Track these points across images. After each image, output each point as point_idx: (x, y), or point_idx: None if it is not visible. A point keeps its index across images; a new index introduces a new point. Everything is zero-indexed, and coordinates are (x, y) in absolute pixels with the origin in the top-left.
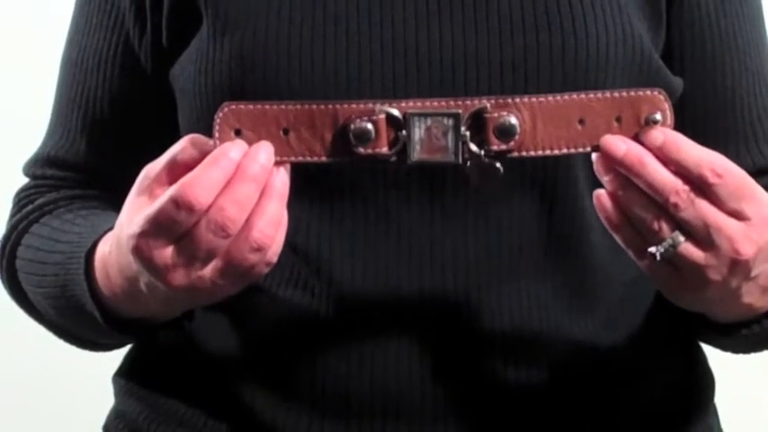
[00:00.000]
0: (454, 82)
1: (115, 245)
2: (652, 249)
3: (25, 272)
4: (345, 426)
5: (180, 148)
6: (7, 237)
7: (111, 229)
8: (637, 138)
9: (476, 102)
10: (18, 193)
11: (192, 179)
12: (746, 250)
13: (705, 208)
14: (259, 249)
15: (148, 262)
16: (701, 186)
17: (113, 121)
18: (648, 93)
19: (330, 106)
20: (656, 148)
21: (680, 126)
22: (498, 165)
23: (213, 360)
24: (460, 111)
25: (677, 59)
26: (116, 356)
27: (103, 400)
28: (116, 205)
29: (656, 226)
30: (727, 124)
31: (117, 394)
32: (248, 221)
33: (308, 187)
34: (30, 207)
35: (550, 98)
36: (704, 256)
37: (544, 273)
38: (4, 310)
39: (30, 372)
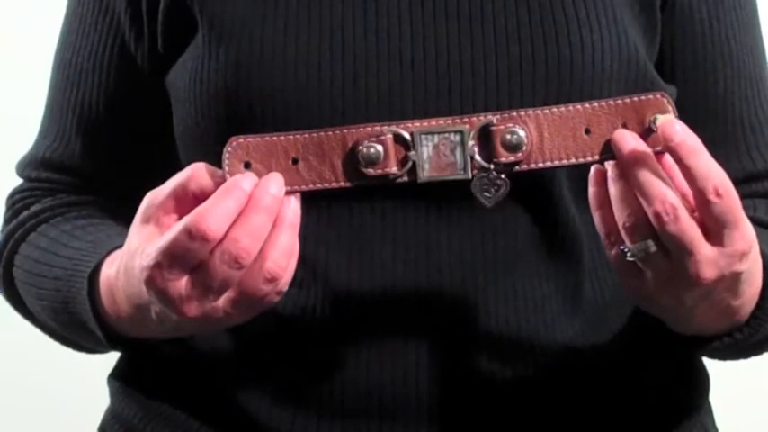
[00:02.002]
0: (450, 93)
1: (123, 271)
2: (623, 248)
3: (24, 282)
4: (341, 427)
5: (186, 176)
6: (4, 244)
7: (115, 248)
8: (658, 132)
9: (481, 117)
10: (12, 195)
11: (205, 210)
12: (707, 275)
13: (685, 229)
14: (272, 280)
15: (163, 293)
16: (697, 198)
17: (108, 123)
18: (652, 97)
19: (338, 132)
20: (673, 145)
21: None
22: (504, 177)
23: (208, 361)
24: (467, 126)
25: (669, 65)
26: (112, 357)
27: (99, 400)
28: (112, 210)
29: (635, 226)
30: (718, 129)
31: (112, 395)
32: (261, 252)
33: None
34: (26, 213)
35: (555, 110)
36: (669, 268)
37: (538, 275)
38: (1, 311)
39: (25, 372)
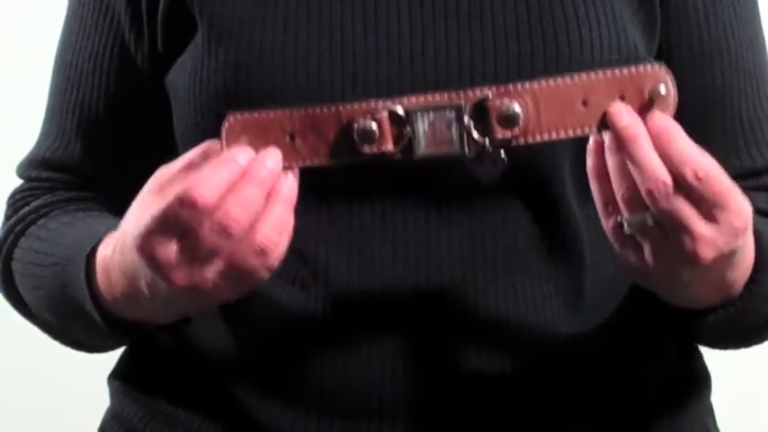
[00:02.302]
0: (450, 86)
1: (119, 245)
2: (619, 219)
3: (22, 274)
4: (342, 426)
5: (197, 152)
6: (3, 240)
7: (110, 232)
8: (643, 116)
9: (477, 92)
10: (13, 195)
11: (197, 178)
12: (706, 255)
13: (679, 207)
14: (262, 253)
15: (151, 258)
16: (679, 183)
17: (108, 124)
18: (650, 67)
19: (333, 108)
20: (654, 134)
21: None
22: (503, 154)
23: (208, 361)
24: (462, 102)
25: (666, 60)
26: (112, 357)
27: (99, 401)
28: (112, 207)
29: (632, 198)
30: (716, 125)
31: (112, 395)
32: (254, 225)
33: (304, 188)
34: (26, 209)
35: (551, 82)
36: (666, 244)
37: (539, 274)
38: (1, 311)
39: (25, 372)
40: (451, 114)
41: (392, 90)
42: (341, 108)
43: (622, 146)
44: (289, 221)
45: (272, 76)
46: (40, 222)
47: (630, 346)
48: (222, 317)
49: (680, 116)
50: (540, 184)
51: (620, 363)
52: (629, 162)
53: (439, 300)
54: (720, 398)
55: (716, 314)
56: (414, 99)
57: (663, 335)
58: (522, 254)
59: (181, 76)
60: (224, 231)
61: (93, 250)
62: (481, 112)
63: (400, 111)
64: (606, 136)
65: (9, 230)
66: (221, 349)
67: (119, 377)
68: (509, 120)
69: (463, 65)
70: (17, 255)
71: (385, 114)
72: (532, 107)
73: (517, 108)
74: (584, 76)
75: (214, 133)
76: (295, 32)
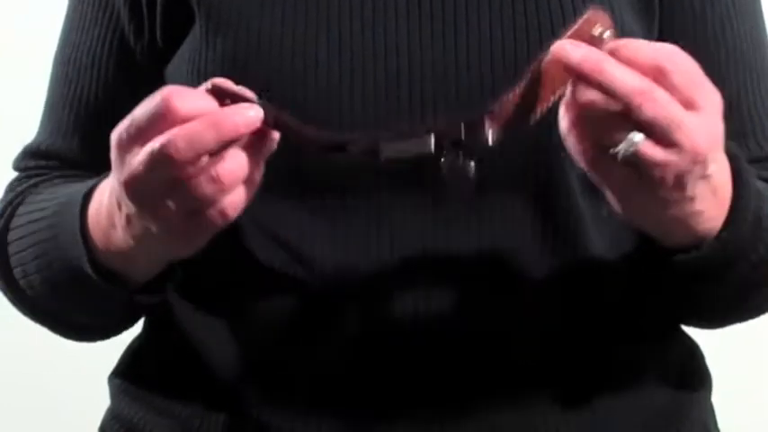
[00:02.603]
0: (446, 85)
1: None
2: (613, 151)
3: (18, 238)
4: (341, 423)
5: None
6: (0, 214)
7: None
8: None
9: (448, 131)
10: (9, 185)
11: (181, 91)
12: (703, 145)
13: (665, 105)
14: (216, 182)
15: (118, 157)
16: (656, 78)
17: (107, 117)
18: (591, 13)
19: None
20: (611, 53)
21: None
22: (472, 165)
23: (208, 360)
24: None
25: None
26: (112, 357)
27: (99, 400)
28: None
29: (615, 127)
30: None
31: (113, 395)
32: (217, 158)
33: (299, 184)
34: (23, 187)
35: (517, 91)
36: (664, 153)
37: (540, 271)
38: (1, 309)
39: (25, 372)
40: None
41: (389, 82)
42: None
43: (589, 77)
44: (249, 172)
45: (270, 67)
46: (37, 191)
47: (631, 345)
48: (219, 315)
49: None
50: (544, 180)
51: (619, 362)
52: (604, 88)
53: (434, 296)
54: (720, 398)
55: (690, 254)
56: (385, 143)
57: (663, 334)
58: (521, 250)
59: (179, 68)
60: (167, 153)
61: (92, 190)
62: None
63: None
64: (567, 89)
65: (7, 205)
66: (221, 349)
67: (119, 377)
68: (481, 146)
69: (459, 60)
70: (13, 224)
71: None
72: (503, 123)
73: (489, 134)
74: (538, 64)
75: None
76: (293, 24)
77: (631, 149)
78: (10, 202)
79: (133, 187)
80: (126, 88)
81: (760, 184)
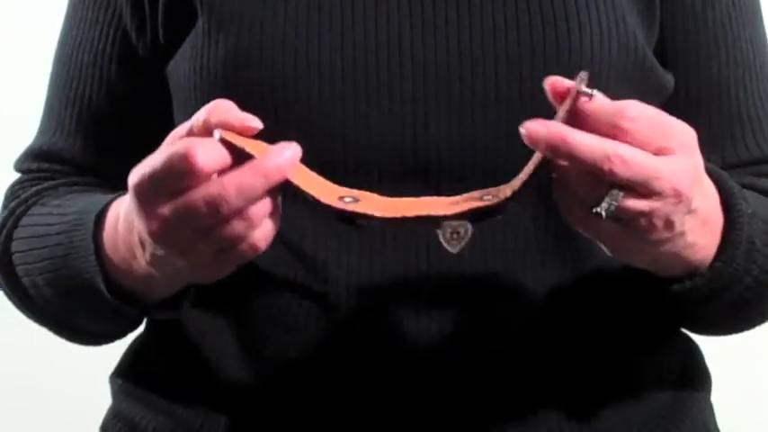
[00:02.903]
0: (449, 79)
1: (127, 197)
2: (596, 210)
3: (23, 250)
4: (342, 427)
5: (207, 109)
6: (3, 223)
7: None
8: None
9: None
10: (11, 187)
11: (203, 141)
12: (685, 186)
13: (637, 162)
14: (246, 220)
15: (141, 201)
16: (618, 136)
17: (110, 115)
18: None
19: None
20: (576, 116)
21: None
22: (469, 226)
23: (209, 360)
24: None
25: (663, 50)
26: (113, 356)
27: (100, 400)
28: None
29: (595, 186)
30: (712, 115)
31: (114, 394)
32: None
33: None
34: (26, 194)
35: (523, 176)
36: (647, 203)
37: (542, 273)
38: (2, 310)
39: (25, 372)
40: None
41: (392, 77)
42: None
43: (558, 150)
44: (276, 206)
45: (273, 63)
46: (42, 202)
47: (629, 346)
48: (223, 315)
49: (678, 108)
50: (545, 192)
51: (619, 363)
52: (572, 160)
53: (440, 299)
54: (720, 398)
55: (684, 284)
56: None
57: (663, 334)
58: (525, 254)
59: (181, 65)
60: (214, 206)
61: (103, 213)
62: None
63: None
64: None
65: (9, 214)
66: (222, 349)
67: (120, 376)
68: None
69: (463, 52)
70: (17, 234)
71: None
72: (512, 197)
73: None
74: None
75: None
76: (295, 20)
77: (614, 205)
78: (12, 211)
79: (165, 238)
80: (128, 87)
81: (752, 199)
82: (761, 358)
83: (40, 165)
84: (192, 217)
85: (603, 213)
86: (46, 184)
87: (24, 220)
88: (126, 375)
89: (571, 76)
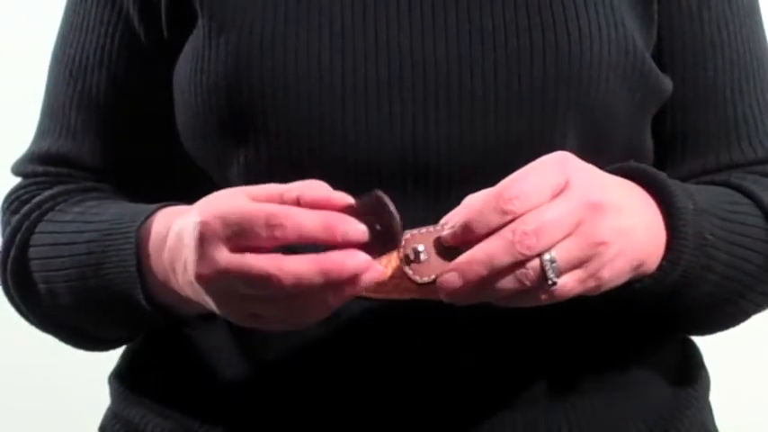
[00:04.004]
0: (449, 83)
1: (191, 213)
2: (549, 281)
3: (45, 257)
4: (344, 428)
5: (312, 185)
6: (17, 227)
7: (165, 206)
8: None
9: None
10: (14, 191)
11: (295, 211)
12: (596, 195)
13: (544, 227)
14: (289, 304)
15: (200, 239)
16: (511, 219)
17: (119, 118)
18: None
19: None
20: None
21: (667, 124)
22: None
23: (208, 361)
24: None
25: (660, 53)
26: (113, 357)
27: (99, 400)
28: (123, 199)
29: (526, 273)
30: (709, 117)
31: (113, 395)
32: None
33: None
34: (40, 198)
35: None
36: (575, 279)
37: None
38: (1, 311)
39: (25, 372)
40: None
41: (392, 80)
42: None
43: (476, 281)
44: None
45: (273, 65)
46: (60, 207)
47: (627, 346)
48: (223, 319)
49: (675, 111)
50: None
51: (618, 362)
52: (491, 272)
53: (440, 303)
54: (720, 398)
55: (634, 286)
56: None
57: (660, 334)
58: None
59: (182, 67)
60: (266, 282)
61: (145, 225)
62: None
63: None
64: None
65: (23, 218)
66: (221, 350)
67: (119, 377)
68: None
69: (462, 56)
70: (36, 240)
71: None
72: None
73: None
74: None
75: (215, 124)
76: (295, 22)
77: (556, 269)
78: (27, 215)
79: (208, 284)
80: (140, 86)
81: (705, 195)
82: (759, 358)
83: (46, 168)
84: (242, 281)
85: (551, 281)
86: (58, 189)
87: (43, 227)
88: (125, 377)
89: (570, 80)
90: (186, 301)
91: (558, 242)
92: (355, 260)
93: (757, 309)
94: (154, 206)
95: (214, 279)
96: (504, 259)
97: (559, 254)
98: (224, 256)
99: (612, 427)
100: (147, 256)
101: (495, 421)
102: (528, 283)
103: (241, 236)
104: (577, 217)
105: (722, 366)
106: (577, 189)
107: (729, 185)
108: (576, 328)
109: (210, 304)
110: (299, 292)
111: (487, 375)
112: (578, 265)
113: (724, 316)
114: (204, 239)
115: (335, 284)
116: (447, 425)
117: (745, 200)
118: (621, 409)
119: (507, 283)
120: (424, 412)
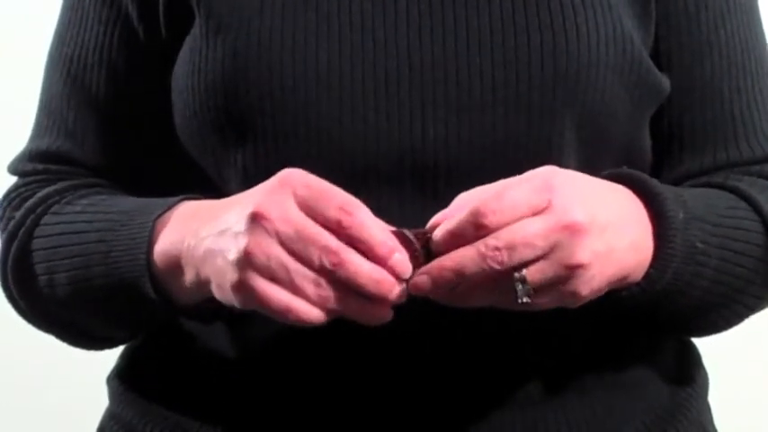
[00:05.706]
0: (446, 81)
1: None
2: (521, 301)
3: (49, 247)
4: (340, 430)
5: (359, 207)
6: (21, 222)
7: (185, 199)
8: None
9: None
10: (14, 189)
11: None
12: (579, 256)
13: (515, 244)
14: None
15: (253, 221)
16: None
17: (117, 114)
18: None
19: None
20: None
21: (665, 123)
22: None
23: (207, 363)
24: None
25: (658, 52)
26: (110, 358)
27: (98, 401)
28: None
29: (498, 286)
30: (706, 116)
31: (111, 396)
32: None
33: None
34: (44, 193)
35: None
36: (550, 297)
37: None
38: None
39: (25, 373)
40: None
41: (389, 79)
42: None
43: (451, 280)
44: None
45: (270, 65)
46: (66, 200)
47: (626, 346)
48: (220, 319)
49: (674, 110)
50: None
51: (617, 363)
52: (462, 277)
53: (439, 316)
54: (719, 398)
55: (622, 294)
56: None
57: (659, 335)
58: None
59: (180, 67)
60: (325, 250)
61: (164, 216)
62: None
63: None
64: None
65: (28, 211)
66: (220, 351)
67: (117, 378)
68: None
69: (459, 55)
70: (41, 232)
71: None
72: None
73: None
74: None
75: (212, 124)
76: (293, 22)
77: (528, 288)
78: (31, 209)
79: (241, 263)
80: (139, 85)
81: (696, 201)
82: (759, 358)
83: (47, 166)
84: (296, 237)
85: (523, 300)
86: (62, 185)
87: (48, 219)
88: (123, 377)
89: (568, 79)
90: (188, 290)
91: (530, 261)
92: (396, 291)
93: (750, 312)
94: (176, 198)
95: (269, 222)
96: (474, 269)
97: (531, 274)
98: (296, 209)
99: (611, 428)
100: (157, 238)
101: (493, 421)
102: (498, 296)
103: (314, 207)
104: (554, 239)
105: (721, 366)
106: (558, 209)
107: (725, 188)
108: (575, 328)
109: (225, 267)
110: (336, 278)
111: (486, 375)
112: (553, 284)
113: (717, 319)
114: (284, 185)
115: (368, 294)
116: (446, 425)
117: (742, 203)
118: (620, 410)
119: (479, 291)
120: (423, 412)
